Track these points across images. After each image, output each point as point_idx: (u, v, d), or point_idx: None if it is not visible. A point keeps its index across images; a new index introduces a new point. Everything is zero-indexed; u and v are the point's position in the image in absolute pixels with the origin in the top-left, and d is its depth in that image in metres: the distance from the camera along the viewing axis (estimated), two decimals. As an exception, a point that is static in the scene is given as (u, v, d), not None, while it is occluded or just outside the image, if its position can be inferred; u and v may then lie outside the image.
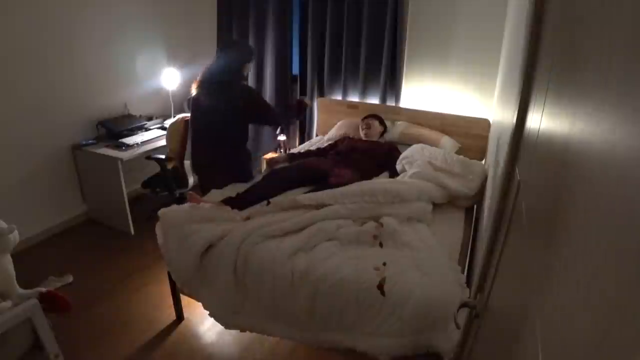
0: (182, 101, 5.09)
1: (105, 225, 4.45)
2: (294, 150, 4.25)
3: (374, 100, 4.42)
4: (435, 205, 3.01)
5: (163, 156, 4.07)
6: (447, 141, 3.90)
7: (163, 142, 4.31)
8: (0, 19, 3.51)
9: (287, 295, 2.31)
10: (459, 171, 3.22)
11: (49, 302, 2.71)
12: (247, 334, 2.69)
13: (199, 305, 2.74)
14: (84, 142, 4.22)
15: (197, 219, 2.67)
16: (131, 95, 4.77)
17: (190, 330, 3.11)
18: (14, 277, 2.72)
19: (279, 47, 4.79)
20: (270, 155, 4.93)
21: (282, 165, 3.58)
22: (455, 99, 4.12)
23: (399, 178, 3.27)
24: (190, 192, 2.98)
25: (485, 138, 3.89)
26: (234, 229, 2.54)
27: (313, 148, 4.00)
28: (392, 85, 4.26)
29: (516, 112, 1.34)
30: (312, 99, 4.75)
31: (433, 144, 3.84)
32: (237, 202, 2.87)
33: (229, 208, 2.80)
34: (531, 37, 1.32)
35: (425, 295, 2.05)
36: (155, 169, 4.24)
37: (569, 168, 0.71)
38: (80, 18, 4.09)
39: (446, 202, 3.11)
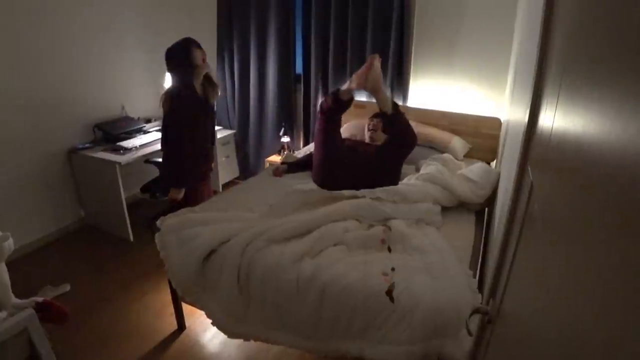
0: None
1: (103, 232, 4.47)
2: (298, 154, 4.25)
3: (381, 99, 4.41)
4: (445, 208, 3.01)
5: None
6: (457, 142, 3.90)
7: (162, 145, 4.30)
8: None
9: (293, 302, 2.31)
10: (472, 177, 3.19)
11: (45, 312, 2.72)
12: (252, 343, 2.69)
13: (201, 314, 2.75)
14: (80, 146, 4.24)
15: (198, 223, 2.68)
16: (129, 97, 4.79)
17: (192, 340, 3.12)
18: (9, 287, 2.74)
19: (281, 46, 4.81)
20: (273, 157, 4.95)
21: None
22: (465, 97, 4.12)
23: (405, 180, 3.26)
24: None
25: (496, 137, 3.89)
26: (239, 232, 2.55)
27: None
28: (400, 84, 4.26)
29: (528, 110, 1.34)
30: (316, 99, 4.76)
31: (443, 144, 3.84)
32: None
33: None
34: (543, 31, 1.32)
35: (436, 301, 2.05)
36: (154, 173, 4.25)
37: (583, 167, 0.71)
38: (76, 17, 4.12)
39: (455, 206, 3.11)
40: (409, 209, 2.82)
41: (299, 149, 5.00)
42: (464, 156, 3.92)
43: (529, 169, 1.28)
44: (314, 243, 2.47)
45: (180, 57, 3.19)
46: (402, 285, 2.15)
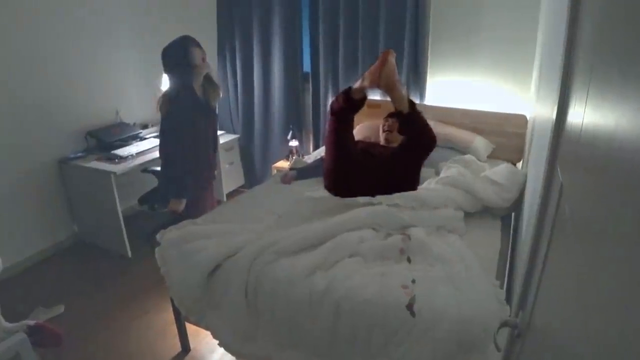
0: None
1: (99, 248, 4.49)
2: (307, 159, 4.26)
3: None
4: (468, 214, 3.01)
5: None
6: (480, 142, 3.89)
7: (160, 153, 4.33)
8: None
9: (305, 318, 2.31)
10: (497, 180, 3.18)
11: (37, 335, 2.74)
12: (261, 364, 2.70)
13: (206, 334, 2.76)
14: (71, 155, 4.27)
15: (201, 236, 2.69)
16: (123, 101, 4.82)
17: (196, 363, 3.12)
18: None
19: (287, 43, 4.83)
20: (280, 163, 4.96)
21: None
22: (487, 94, 4.11)
23: (424, 185, 3.25)
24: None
25: (522, 136, 3.88)
26: (245, 244, 2.56)
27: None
28: (416, 81, 4.26)
29: (556, 106, 1.34)
30: (326, 98, 4.76)
31: (464, 145, 3.83)
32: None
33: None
34: (570, 21, 1.33)
35: (460, 314, 2.05)
36: (153, 182, 4.27)
37: (616, 165, 0.72)
38: (65, 16, 4.15)
39: (479, 211, 3.10)
40: (429, 216, 2.81)
41: (308, 153, 5.00)
42: (488, 157, 3.92)
43: (558, 168, 1.28)
44: (327, 255, 2.46)
45: (178, 56, 3.21)
46: (424, 298, 2.15)
